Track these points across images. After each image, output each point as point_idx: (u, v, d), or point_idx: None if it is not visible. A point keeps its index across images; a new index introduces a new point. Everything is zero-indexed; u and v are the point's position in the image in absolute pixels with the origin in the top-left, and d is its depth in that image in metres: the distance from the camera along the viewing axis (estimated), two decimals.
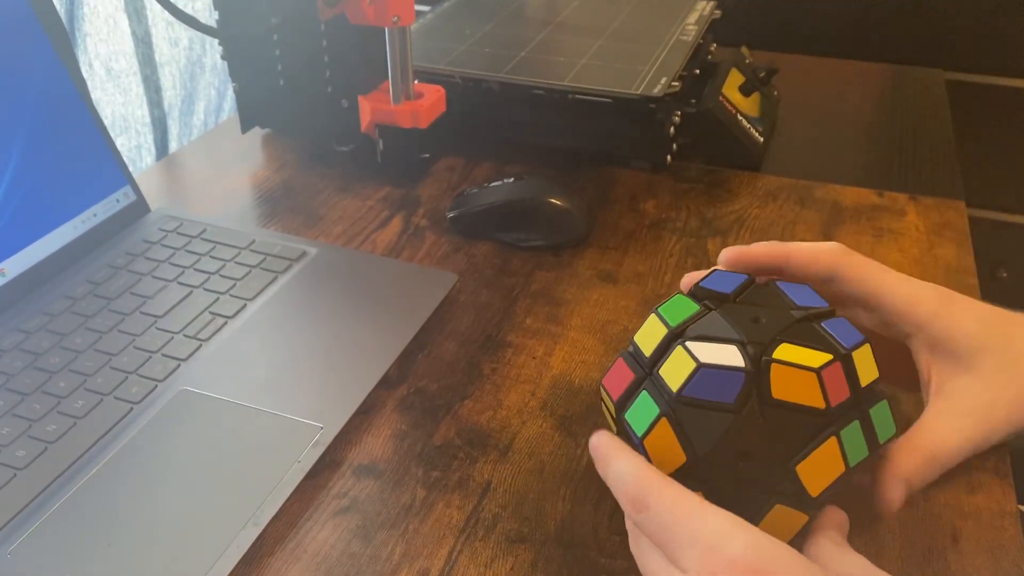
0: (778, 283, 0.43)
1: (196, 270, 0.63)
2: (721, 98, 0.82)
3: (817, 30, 1.12)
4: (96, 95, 0.89)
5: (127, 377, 0.54)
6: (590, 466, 0.50)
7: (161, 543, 0.44)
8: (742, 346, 0.38)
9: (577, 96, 0.78)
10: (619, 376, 0.42)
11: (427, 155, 0.80)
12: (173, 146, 1.01)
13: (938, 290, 0.46)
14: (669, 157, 0.81)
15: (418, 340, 0.59)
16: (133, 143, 0.96)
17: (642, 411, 0.39)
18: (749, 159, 0.82)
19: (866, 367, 0.39)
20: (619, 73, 0.80)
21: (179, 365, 0.55)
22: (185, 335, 0.57)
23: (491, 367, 0.58)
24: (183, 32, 0.99)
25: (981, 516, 0.47)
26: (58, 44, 0.65)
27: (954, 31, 1.09)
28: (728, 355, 0.38)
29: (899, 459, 0.43)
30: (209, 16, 1.00)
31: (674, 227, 0.73)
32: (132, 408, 0.52)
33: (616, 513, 0.48)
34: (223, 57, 0.79)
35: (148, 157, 0.98)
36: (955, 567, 0.44)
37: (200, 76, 1.03)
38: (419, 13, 0.94)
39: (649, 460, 0.39)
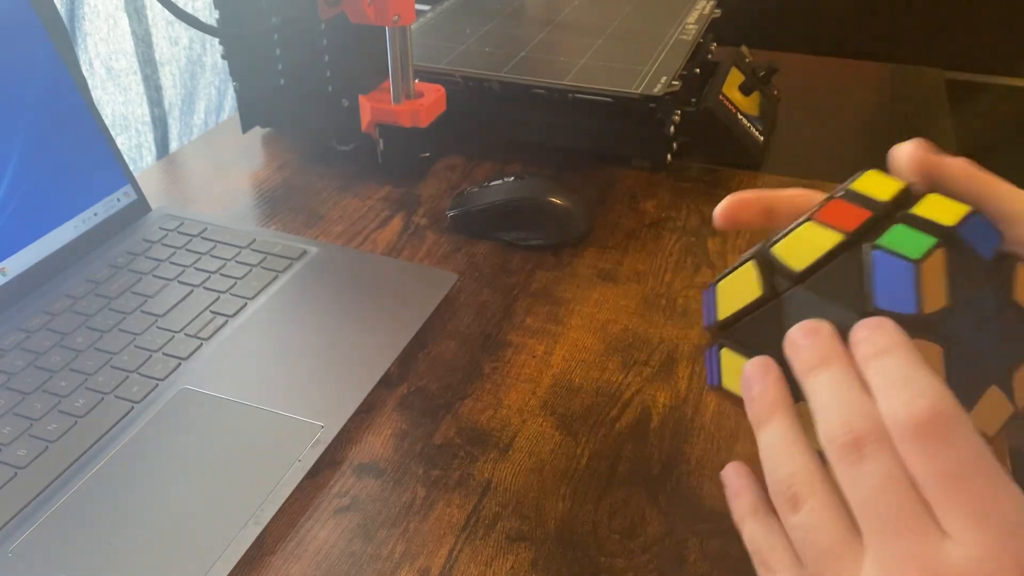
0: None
1: (197, 269, 0.64)
2: (721, 97, 0.82)
3: (817, 29, 1.12)
4: (96, 94, 0.89)
5: (128, 376, 0.54)
6: (590, 465, 0.51)
7: (162, 542, 0.44)
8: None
9: (577, 95, 0.78)
10: (842, 214, 0.34)
11: (427, 154, 0.80)
12: (173, 145, 1.01)
13: None
14: (669, 156, 0.81)
15: (418, 339, 0.59)
16: (133, 142, 0.96)
17: (908, 239, 0.32)
18: (749, 158, 0.82)
19: None
20: (619, 72, 0.80)
21: (180, 364, 0.55)
22: (186, 334, 0.57)
23: (491, 366, 0.58)
24: (183, 31, 0.99)
25: None
26: (59, 43, 0.65)
27: (954, 31, 1.09)
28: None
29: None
30: (209, 15, 1.00)
31: (674, 226, 0.73)
32: (133, 407, 0.52)
33: (616, 512, 0.48)
34: (223, 56, 0.79)
35: (148, 156, 0.98)
36: None
37: (200, 75, 1.03)
38: (419, 12, 0.94)
39: (916, 293, 0.31)
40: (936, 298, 0.32)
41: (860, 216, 0.34)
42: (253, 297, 0.61)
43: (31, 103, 0.62)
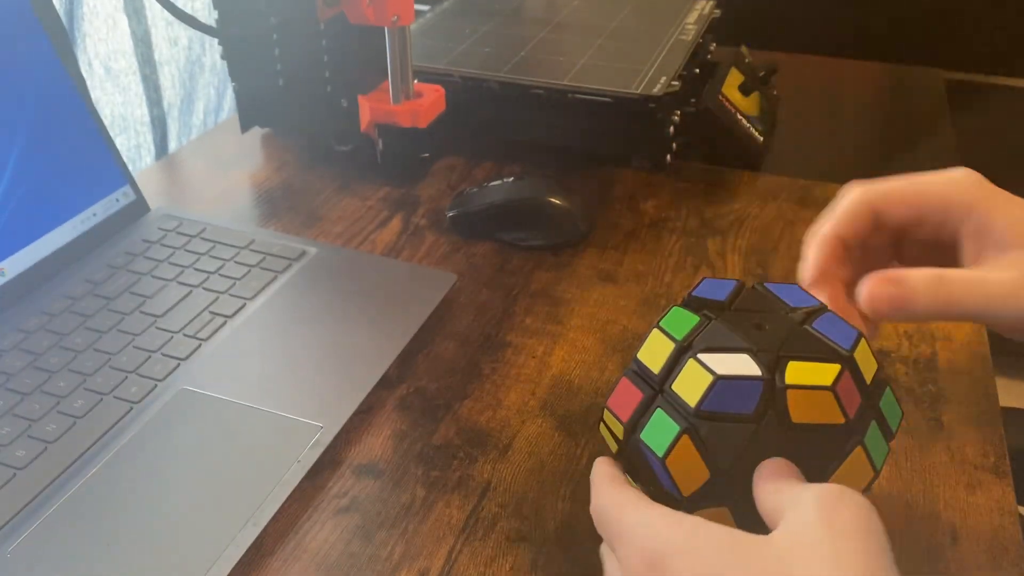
0: (767, 285, 0.43)
1: (196, 269, 0.63)
2: (721, 97, 0.82)
3: (817, 29, 1.12)
4: (95, 94, 0.88)
5: (127, 377, 0.54)
6: (590, 465, 0.50)
7: (161, 543, 0.44)
8: (753, 354, 0.37)
9: (577, 95, 0.78)
10: (626, 396, 0.40)
11: (427, 155, 0.80)
12: (172, 146, 1.01)
13: (976, 178, 0.43)
14: (669, 156, 0.81)
15: (418, 340, 0.59)
16: (132, 142, 0.96)
17: (660, 429, 0.38)
18: (749, 158, 0.82)
19: (868, 362, 0.39)
20: (619, 72, 0.80)
21: (179, 364, 0.55)
22: (185, 334, 0.57)
23: (491, 367, 0.58)
24: (182, 31, 0.99)
25: (981, 516, 0.47)
26: (57, 43, 0.65)
27: (954, 31, 1.09)
28: (742, 364, 0.37)
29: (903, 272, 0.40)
30: (208, 16, 1.00)
31: (674, 226, 0.73)
32: (132, 408, 0.52)
33: None
34: (223, 57, 0.79)
35: (147, 157, 0.98)
36: (954, 567, 0.44)
37: (199, 76, 1.03)
38: (419, 12, 0.94)
39: (671, 480, 0.37)
40: (694, 478, 0.37)
41: (635, 398, 0.39)
42: (252, 297, 0.61)
43: (30, 103, 0.62)
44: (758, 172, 0.82)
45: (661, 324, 0.40)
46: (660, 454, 0.37)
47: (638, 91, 0.76)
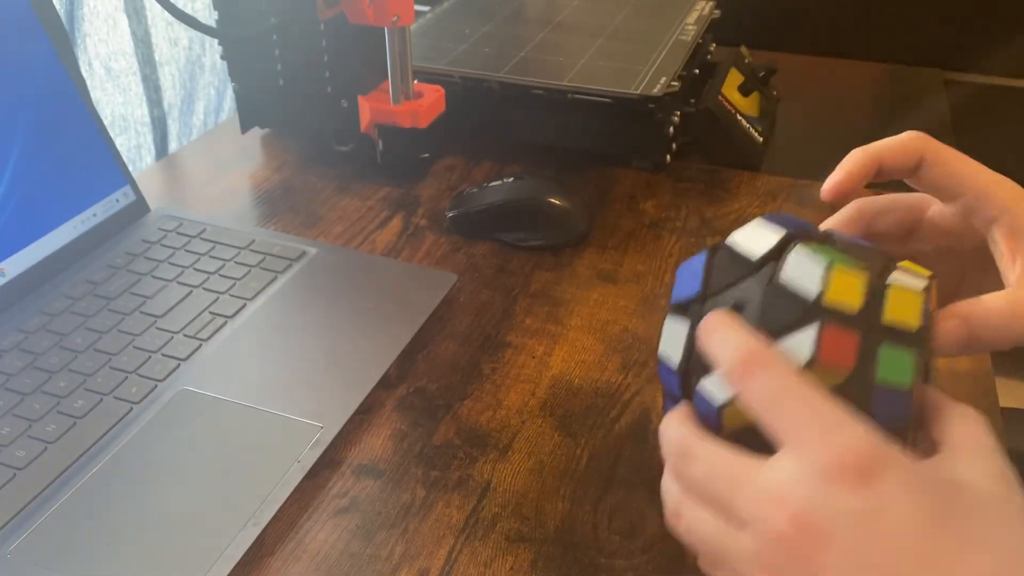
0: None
1: (196, 270, 0.63)
2: (720, 98, 0.82)
3: (816, 30, 1.12)
4: (96, 95, 0.88)
5: (127, 377, 0.54)
6: (590, 466, 0.51)
7: (161, 543, 0.44)
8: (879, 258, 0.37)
9: (576, 96, 0.78)
10: (839, 346, 0.35)
11: (427, 155, 0.80)
12: (173, 146, 1.01)
13: (1012, 182, 0.44)
14: (668, 157, 0.81)
15: (418, 340, 0.59)
16: (132, 143, 0.96)
17: (898, 363, 0.35)
18: (748, 159, 0.82)
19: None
20: (618, 73, 0.80)
21: (179, 365, 0.55)
22: (185, 335, 0.57)
23: (491, 367, 0.58)
24: (183, 32, 0.99)
25: None
26: (58, 44, 0.65)
27: (953, 31, 1.09)
28: (905, 272, 0.37)
29: (962, 305, 0.39)
30: (209, 16, 1.00)
31: (674, 227, 0.73)
32: (132, 408, 0.52)
33: (616, 513, 0.48)
34: (223, 57, 0.79)
35: (148, 157, 0.98)
36: None
37: (200, 76, 1.03)
38: (419, 13, 0.94)
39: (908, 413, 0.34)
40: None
41: (851, 344, 0.35)
42: (252, 298, 0.61)
43: (30, 104, 0.62)
44: (758, 172, 0.82)
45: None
46: (909, 385, 0.34)
47: (638, 91, 0.76)
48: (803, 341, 0.35)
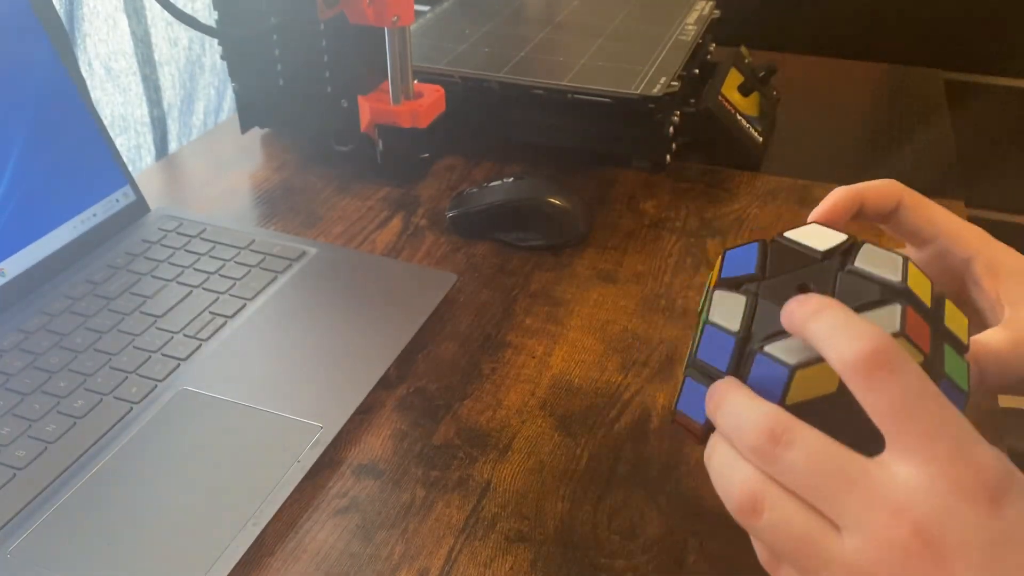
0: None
1: (196, 270, 0.63)
2: (720, 98, 0.82)
3: (816, 30, 1.12)
4: (95, 95, 0.88)
5: (127, 377, 0.54)
6: (590, 465, 0.51)
7: (161, 543, 0.44)
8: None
9: (576, 96, 0.78)
10: (919, 329, 0.35)
11: (426, 155, 0.80)
12: (172, 146, 1.01)
13: (979, 227, 0.46)
14: (668, 157, 0.81)
15: (418, 340, 0.59)
16: (132, 143, 0.96)
17: (959, 367, 0.36)
18: (748, 159, 0.82)
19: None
20: (618, 73, 0.80)
21: (179, 365, 0.55)
22: (185, 335, 0.57)
23: (491, 367, 0.58)
24: (183, 32, 0.99)
25: None
26: (58, 44, 0.65)
27: (953, 31, 1.09)
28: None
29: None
30: (208, 16, 1.00)
31: (673, 227, 0.73)
32: (132, 408, 0.52)
33: (616, 513, 0.48)
34: (223, 57, 0.79)
35: (147, 157, 0.98)
36: None
37: (200, 76, 1.03)
38: (419, 13, 0.94)
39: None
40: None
41: (926, 332, 0.35)
42: (252, 298, 0.61)
43: (30, 104, 0.62)
44: (757, 172, 0.82)
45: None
46: (966, 388, 0.36)
47: (638, 91, 0.76)
48: (890, 315, 0.34)
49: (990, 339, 0.40)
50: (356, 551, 0.46)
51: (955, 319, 0.37)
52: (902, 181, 0.46)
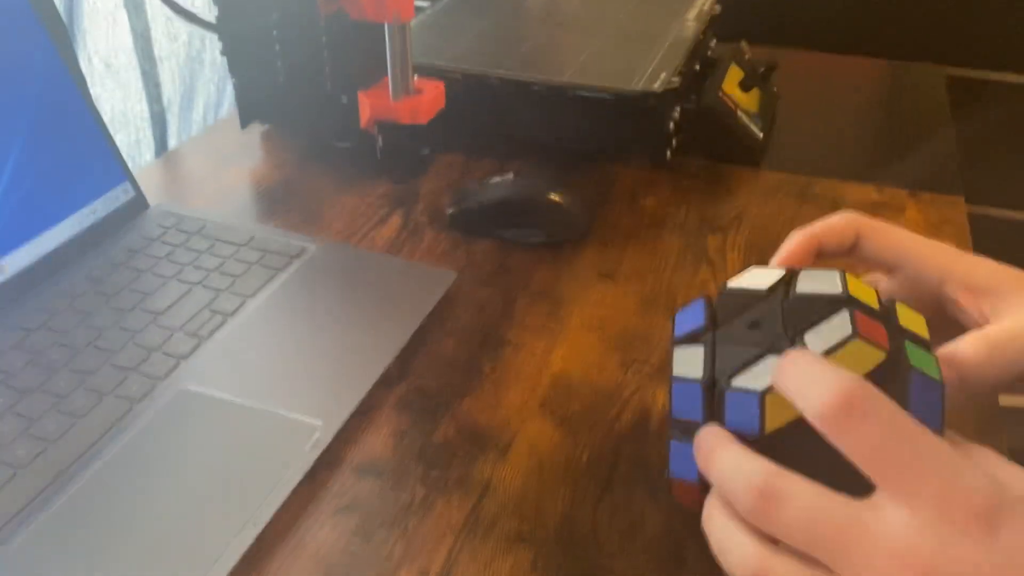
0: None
1: (196, 267, 0.63)
2: (721, 94, 0.82)
3: (817, 25, 1.12)
4: (95, 91, 0.88)
5: (127, 375, 0.54)
6: (590, 465, 0.51)
7: (161, 542, 0.44)
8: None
9: (577, 92, 0.78)
10: (872, 327, 0.37)
11: (427, 151, 0.80)
12: (172, 142, 1.01)
13: (947, 245, 0.46)
14: (669, 153, 0.81)
15: (417, 338, 0.59)
16: (132, 139, 0.95)
17: (925, 360, 0.36)
18: (749, 155, 0.82)
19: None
20: (619, 69, 0.80)
21: (179, 363, 0.55)
22: (185, 332, 0.57)
23: (491, 365, 0.58)
24: (182, 27, 0.98)
25: None
26: (57, 40, 0.65)
27: (954, 27, 1.09)
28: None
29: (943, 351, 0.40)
30: (209, 12, 1.00)
31: (674, 223, 0.73)
32: (132, 407, 0.52)
33: (616, 512, 0.48)
34: (223, 53, 0.79)
35: (147, 153, 0.98)
36: None
37: (200, 72, 1.03)
38: (419, 9, 0.93)
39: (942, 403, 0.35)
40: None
41: (882, 333, 0.37)
42: (252, 295, 0.61)
43: (30, 100, 0.62)
44: (758, 168, 0.82)
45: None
46: (938, 378, 0.36)
47: (638, 88, 0.76)
48: (841, 322, 0.36)
49: (967, 344, 0.40)
50: (356, 550, 0.46)
51: (910, 319, 0.38)
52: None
